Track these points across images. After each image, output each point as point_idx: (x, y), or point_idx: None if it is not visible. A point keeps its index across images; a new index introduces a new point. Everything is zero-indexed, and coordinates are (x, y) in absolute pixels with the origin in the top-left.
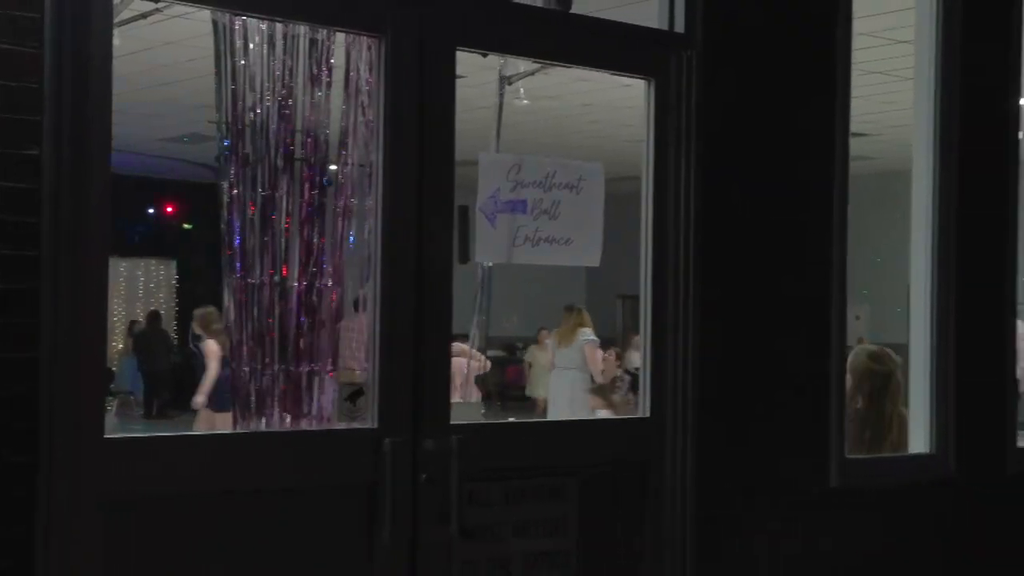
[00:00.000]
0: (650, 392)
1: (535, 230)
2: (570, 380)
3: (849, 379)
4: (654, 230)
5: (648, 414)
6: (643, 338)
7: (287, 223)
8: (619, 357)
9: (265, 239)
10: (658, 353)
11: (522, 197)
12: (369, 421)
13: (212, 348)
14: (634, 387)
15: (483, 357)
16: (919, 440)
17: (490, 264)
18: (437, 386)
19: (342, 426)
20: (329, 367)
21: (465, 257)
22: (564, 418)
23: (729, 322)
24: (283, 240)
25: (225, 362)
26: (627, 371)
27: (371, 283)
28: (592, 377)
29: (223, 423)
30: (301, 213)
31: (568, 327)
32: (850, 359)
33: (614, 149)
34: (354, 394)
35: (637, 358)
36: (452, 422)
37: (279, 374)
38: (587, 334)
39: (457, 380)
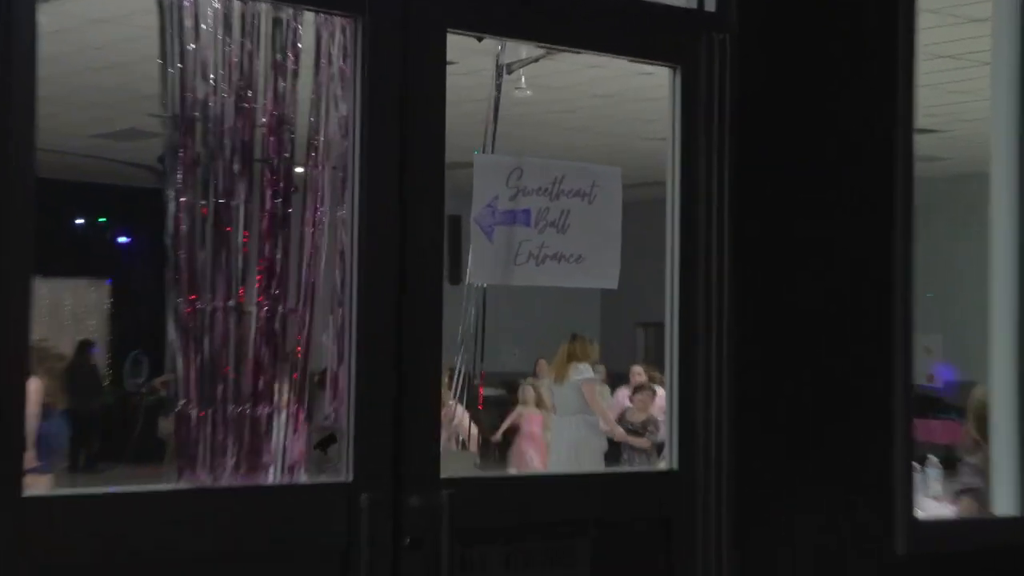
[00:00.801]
0: (677, 438)
1: (540, 245)
2: (574, 428)
3: (970, 424)
4: (682, 245)
5: (675, 465)
6: (668, 374)
7: (245, 237)
8: (651, 397)
9: (218, 256)
10: (687, 392)
11: (524, 206)
12: (343, 473)
13: (30, 389)
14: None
15: (461, 411)
16: (1005, 499)
17: (483, 286)
18: (424, 431)
19: (311, 479)
20: (296, 407)
21: (456, 277)
22: (573, 470)
23: (772, 355)
24: (240, 257)
25: (62, 410)
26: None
27: (344, 308)
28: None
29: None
30: (262, 225)
31: (559, 360)
32: (970, 402)
33: (633, 149)
34: (324, 440)
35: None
36: (442, 475)
37: (234, 417)
38: (583, 370)
39: (450, 426)
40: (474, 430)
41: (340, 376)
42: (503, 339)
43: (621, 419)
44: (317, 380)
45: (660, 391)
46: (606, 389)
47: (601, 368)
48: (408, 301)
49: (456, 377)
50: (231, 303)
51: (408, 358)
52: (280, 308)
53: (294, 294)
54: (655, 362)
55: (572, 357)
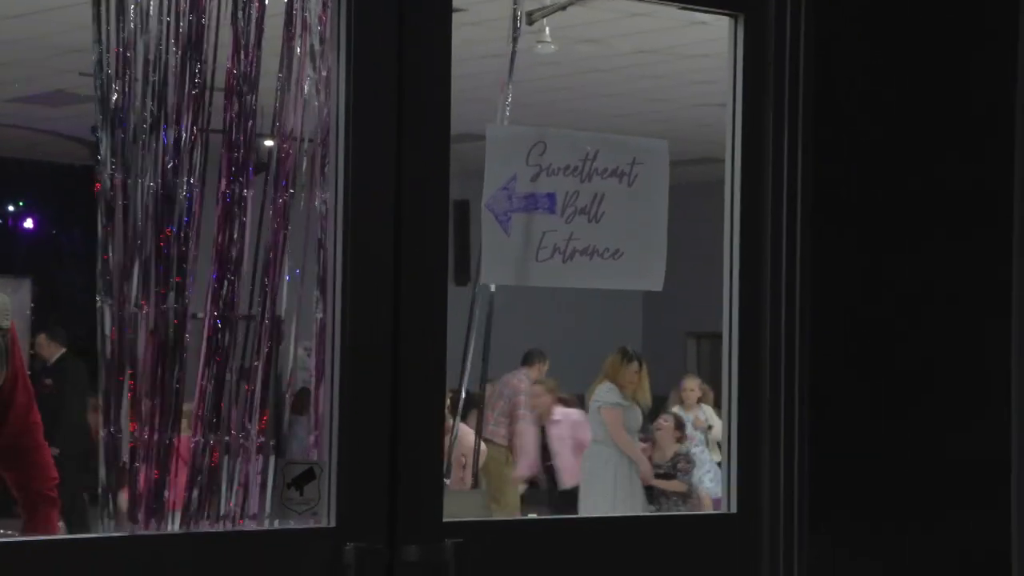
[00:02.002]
0: (736, 475)
1: (568, 238)
2: (603, 460)
3: None
4: (743, 238)
5: (734, 508)
6: (727, 396)
7: (195, 225)
8: (678, 427)
9: (162, 248)
10: (749, 418)
11: (548, 190)
12: (324, 517)
13: None
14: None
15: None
16: None
17: (492, 288)
18: (424, 465)
19: (283, 525)
20: (258, 436)
21: (465, 276)
22: (606, 513)
23: (858, 375)
24: (189, 250)
25: None
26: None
27: (326, 314)
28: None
29: None
30: (217, 211)
31: (597, 380)
32: None
33: (683, 118)
34: (301, 477)
35: (708, 414)
36: (446, 519)
37: (182, 447)
38: (602, 393)
39: (460, 460)
40: (484, 453)
41: (321, 397)
42: (516, 352)
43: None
44: (292, 403)
45: (712, 416)
46: (635, 414)
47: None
48: (405, 306)
49: (459, 397)
50: (177, 306)
51: (405, 376)
52: (238, 314)
53: (259, 296)
54: (709, 384)
55: (605, 374)
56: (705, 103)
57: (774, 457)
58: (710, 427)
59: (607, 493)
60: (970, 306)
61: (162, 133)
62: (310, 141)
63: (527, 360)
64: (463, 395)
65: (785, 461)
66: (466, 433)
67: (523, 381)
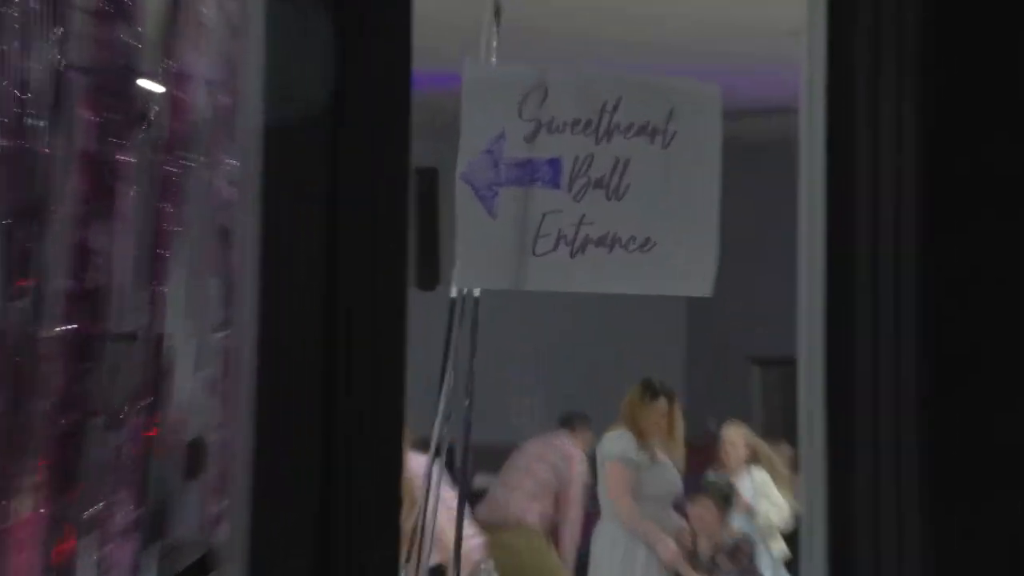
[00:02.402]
0: (825, 556)
1: (578, 221)
2: (609, 543)
3: None
4: (830, 223)
5: None
6: (804, 450)
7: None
8: (718, 506)
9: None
10: (842, 482)
11: (551, 154)
12: None
13: None
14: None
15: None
16: None
17: (475, 293)
18: (372, 551)
19: None
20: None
21: (431, 278)
22: None
23: (988, 418)
24: (41, 238)
25: None
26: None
27: (233, 332)
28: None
29: None
30: (74, 181)
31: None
32: None
33: (740, 53)
34: (194, 568)
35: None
36: None
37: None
38: (608, 442)
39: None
40: (469, 544)
41: (223, 452)
42: (510, 385)
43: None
44: (180, 459)
45: (767, 488)
46: (663, 474)
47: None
48: (346, 322)
49: (433, 453)
50: (19, 321)
51: (344, 421)
52: (107, 332)
53: (136, 307)
54: (780, 430)
55: (624, 418)
56: (769, 31)
57: (872, 536)
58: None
59: None
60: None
61: (5, 78)
62: (211, 85)
63: (567, 423)
64: (436, 445)
65: (894, 548)
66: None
67: (574, 450)
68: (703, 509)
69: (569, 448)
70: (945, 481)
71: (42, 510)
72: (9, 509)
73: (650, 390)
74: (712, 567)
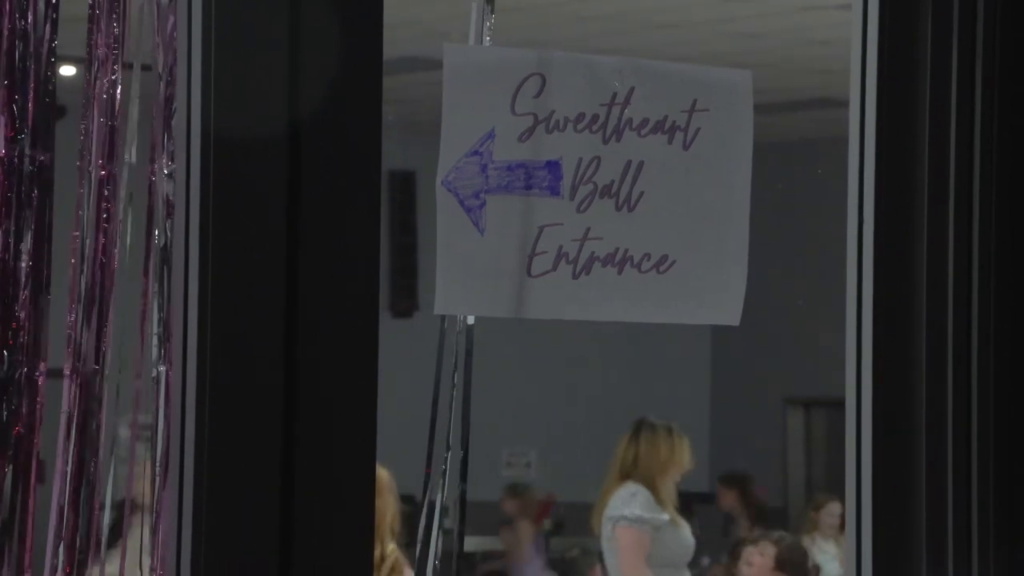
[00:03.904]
0: None
1: (582, 236)
2: None
3: None
4: (883, 236)
5: None
6: (852, 507)
7: None
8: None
9: None
10: (891, 547)
11: (551, 155)
12: None
13: None
14: None
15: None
16: None
17: (465, 321)
18: None
19: None
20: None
21: (408, 304)
22: None
23: None
24: None
25: None
26: None
27: (172, 369)
28: None
29: None
30: None
31: (610, 482)
32: None
33: (775, 34)
34: None
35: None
36: None
37: None
38: (621, 503)
39: None
40: None
41: (162, 521)
42: (506, 435)
43: None
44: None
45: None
46: (679, 535)
47: None
48: (307, 355)
49: (424, 513)
50: None
51: (307, 476)
52: (20, 368)
53: (61, 339)
54: (833, 484)
55: (626, 472)
56: (811, 5)
57: None
58: None
59: None
60: None
61: None
62: (144, 70)
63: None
64: (425, 505)
65: None
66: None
67: None
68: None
69: None
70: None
71: None
72: None
73: (666, 433)
74: None
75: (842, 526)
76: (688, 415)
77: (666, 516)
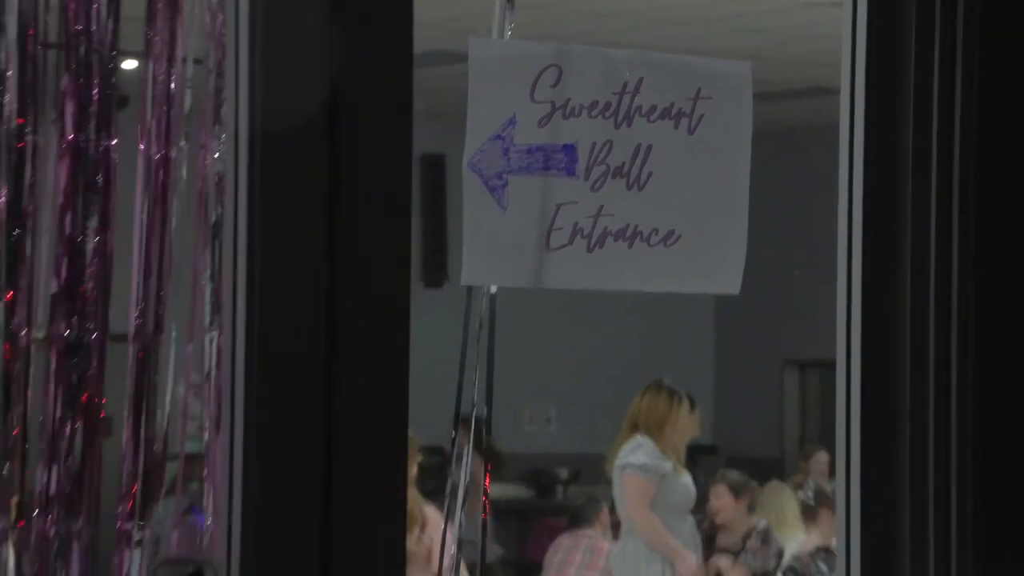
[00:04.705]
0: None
1: (596, 213)
2: (634, 555)
3: None
4: (871, 212)
5: None
6: (843, 459)
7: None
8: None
9: None
10: (882, 487)
11: (567, 139)
12: None
13: None
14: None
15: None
16: None
17: (493, 290)
18: (375, 567)
19: None
20: (130, 523)
21: (439, 274)
22: None
23: None
24: (29, 234)
25: None
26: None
27: (222, 334)
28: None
29: None
30: (57, 171)
31: (622, 434)
32: None
33: (774, 27)
34: None
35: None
36: None
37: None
38: (629, 452)
39: (434, 555)
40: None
41: (216, 462)
42: (528, 393)
43: None
44: (178, 474)
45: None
46: (681, 482)
47: None
48: (346, 322)
49: (452, 463)
50: (12, 325)
51: (347, 430)
52: (97, 333)
53: (124, 307)
54: (824, 437)
55: (634, 425)
56: (812, 1)
57: (919, 556)
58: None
59: None
60: None
61: None
62: (197, 63)
63: (583, 518)
64: (455, 453)
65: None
66: (436, 525)
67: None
68: (723, 499)
69: (606, 545)
70: (996, 491)
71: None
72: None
73: (674, 395)
74: (741, 551)
75: (831, 472)
76: (693, 375)
77: (669, 464)
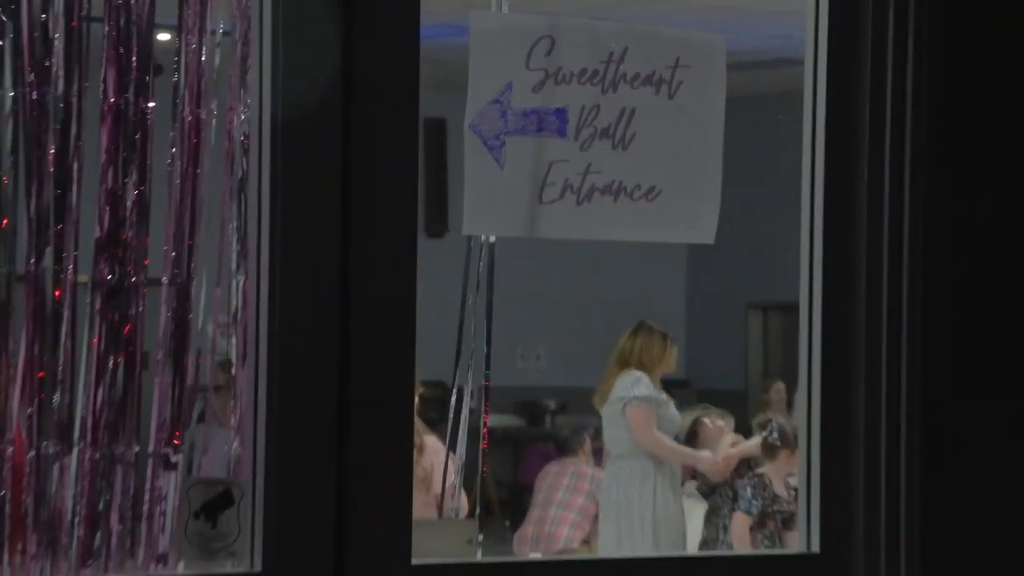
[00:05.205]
0: (819, 504)
1: (584, 170)
2: (627, 480)
3: None
4: (829, 171)
5: (816, 548)
6: (804, 392)
7: (78, 153)
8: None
9: (28, 186)
10: (835, 421)
11: (558, 104)
12: (245, 559)
13: None
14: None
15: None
16: None
17: (487, 240)
18: (385, 487)
19: (187, 571)
20: (166, 447)
21: (440, 225)
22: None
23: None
24: (73, 187)
25: None
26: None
27: (247, 278)
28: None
29: None
30: (101, 132)
31: (609, 367)
32: None
33: (745, 6)
34: (214, 503)
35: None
36: (416, 560)
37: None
38: (628, 385)
39: (432, 477)
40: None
41: (242, 388)
42: (520, 333)
43: None
44: (207, 404)
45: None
46: (671, 411)
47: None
48: (357, 268)
49: (452, 395)
50: (47, 266)
51: (359, 364)
52: (136, 277)
53: (160, 254)
54: (784, 372)
55: (625, 362)
56: None
57: (872, 477)
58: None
59: (644, 523)
60: None
61: (22, 25)
62: (224, 34)
63: (567, 446)
64: (455, 387)
65: (888, 483)
66: (433, 450)
67: (594, 471)
68: (711, 428)
69: (589, 470)
70: (941, 428)
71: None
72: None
73: (661, 337)
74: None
75: (789, 403)
76: (667, 315)
77: (664, 396)
